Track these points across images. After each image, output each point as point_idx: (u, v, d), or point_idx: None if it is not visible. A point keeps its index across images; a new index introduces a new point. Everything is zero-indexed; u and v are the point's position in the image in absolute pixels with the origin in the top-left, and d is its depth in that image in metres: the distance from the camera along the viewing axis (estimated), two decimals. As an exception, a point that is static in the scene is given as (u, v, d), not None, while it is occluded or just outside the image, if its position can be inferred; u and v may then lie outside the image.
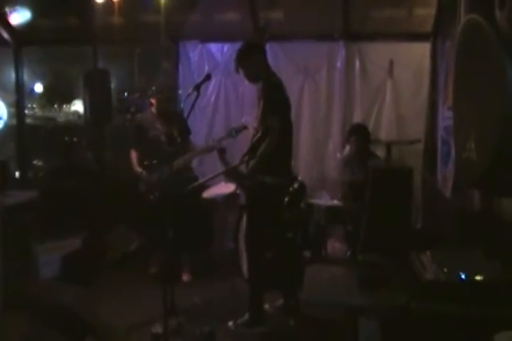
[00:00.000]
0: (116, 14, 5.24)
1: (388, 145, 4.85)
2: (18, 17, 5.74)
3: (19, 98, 6.23)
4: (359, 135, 5.04)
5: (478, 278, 2.64)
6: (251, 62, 3.83)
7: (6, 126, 6.16)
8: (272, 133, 3.66)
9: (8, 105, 6.20)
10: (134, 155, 4.89)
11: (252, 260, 3.90)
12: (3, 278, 3.68)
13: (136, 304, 4.26)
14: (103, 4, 4.09)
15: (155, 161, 4.75)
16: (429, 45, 5.41)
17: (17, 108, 6.24)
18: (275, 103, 3.73)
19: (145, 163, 4.82)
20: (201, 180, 4.51)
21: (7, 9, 5.69)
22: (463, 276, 2.64)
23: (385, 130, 5.53)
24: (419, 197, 5.23)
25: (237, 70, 3.88)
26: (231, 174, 3.94)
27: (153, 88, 5.18)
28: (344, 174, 5.06)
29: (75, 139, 6.59)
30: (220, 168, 4.25)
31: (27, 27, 5.85)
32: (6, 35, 5.91)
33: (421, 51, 5.47)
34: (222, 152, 4.05)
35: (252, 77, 3.88)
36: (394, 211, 3.74)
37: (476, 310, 2.57)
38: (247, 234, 3.90)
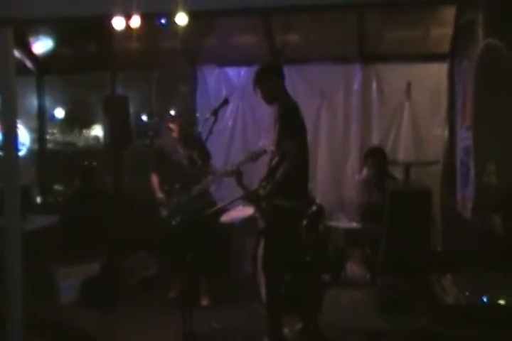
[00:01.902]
0: (134, 40, 5.32)
1: (407, 167, 4.81)
2: (41, 46, 5.90)
3: (41, 124, 6.36)
4: (376, 157, 5.02)
5: (500, 301, 2.59)
6: (268, 82, 3.84)
7: (28, 151, 6.28)
8: (289, 158, 3.65)
9: (30, 131, 6.34)
10: (155, 179, 4.92)
11: (270, 284, 3.86)
12: (23, 303, 3.70)
13: (154, 329, 4.24)
14: (121, 31, 4.17)
15: (177, 185, 4.78)
16: (446, 66, 5.40)
17: (39, 134, 6.36)
18: (292, 126, 3.73)
19: (165, 187, 4.85)
20: (220, 205, 4.51)
21: (30, 39, 5.85)
22: (485, 300, 2.60)
23: (403, 151, 5.50)
24: (439, 219, 5.17)
25: (254, 90, 3.90)
26: (250, 198, 3.93)
27: (172, 112, 5.24)
28: (362, 196, 5.03)
29: (94, 163, 6.67)
30: (237, 192, 4.26)
31: (49, 55, 6.01)
32: (29, 64, 6.06)
33: (438, 72, 5.46)
34: (239, 176, 4.05)
35: (268, 98, 3.88)
36: (413, 233, 3.71)
37: (498, 333, 2.52)
38: (265, 258, 3.87)
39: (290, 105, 3.83)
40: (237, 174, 4.06)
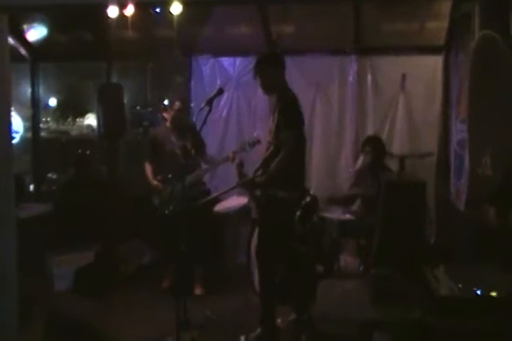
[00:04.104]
0: (129, 29, 5.29)
1: (401, 159, 4.83)
2: (35, 33, 5.86)
3: (35, 112, 6.32)
4: (374, 145, 5.03)
5: (493, 293, 2.61)
6: (268, 71, 3.83)
7: (22, 139, 6.25)
8: (285, 148, 3.65)
9: (23, 119, 6.30)
10: (148, 168, 4.93)
11: (264, 274, 3.88)
12: (18, 290, 3.71)
13: (148, 318, 4.26)
14: (116, 19, 4.15)
15: (170, 175, 4.78)
16: (442, 59, 5.41)
17: (33, 122, 6.32)
18: (290, 117, 3.73)
19: (159, 177, 4.85)
20: (214, 194, 4.52)
21: (25, 26, 5.80)
22: (478, 292, 2.62)
23: (397, 143, 5.51)
24: (433, 211, 5.20)
25: (254, 78, 3.90)
26: (247, 186, 3.93)
27: (166, 102, 5.22)
28: (357, 187, 5.05)
29: (87, 152, 6.65)
30: (231, 182, 4.25)
31: (43, 43, 5.97)
32: (23, 51, 6.01)
33: (433, 64, 5.47)
34: (240, 166, 4.04)
35: (267, 88, 3.88)
36: (407, 225, 3.73)
37: (491, 325, 2.55)
38: (259, 248, 3.88)
39: (290, 96, 3.83)
40: (239, 164, 4.05)
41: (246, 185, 3.87)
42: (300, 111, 3.83)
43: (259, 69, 3.85)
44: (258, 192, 3.84)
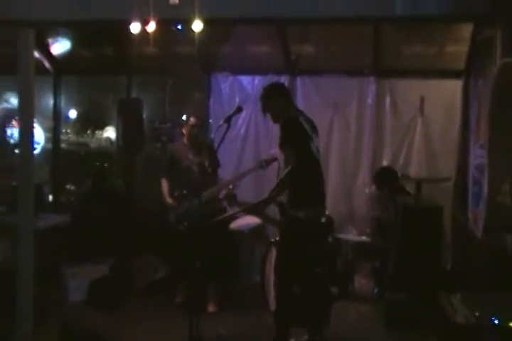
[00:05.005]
0: (150, 45, 5.37)
1: (418, 183, 4.82)
2: (59, 47, 5.96)
3: (56, 124, 6.41)
4: (385, 179, 5.01)
5: (511, 323, 2.59)
6: (272, 104, 3.93)
7: (42, 150, 6.34)
8: (287, 164, 3.69)
9: (45, 130, 6.39)
10: (165, 184, 4.94)
11: (281, 295, 3.87)
12: (33, 301, 3.74)
13: (160, 333, 4.25)
14: (138, 35, 4.24)
15: (185, 191, 4.80)
16: (461, 83, 5.41)
17: (53, 133, 6.40)
18: (288, 135, 3.76)
19: (176, 193, 4.87)
20: (229, 212, 4.52)
21: (49, 40, 5.91)
22: (495, 321, 2.60)
23: (415, 167, 5.50)
24: (449, 236, 5.14)
25: (264, 114, 4.02)
26: (254, 212, 3.95)
27: (185, 118, 5.26)
28: (373, 209, 5.04)
29: (105, 165, 6.71)
30: (250, 198, 4.26)
31: (66, 57, 6.07)
32: (47, 64, 6.12)
33: (452, 88, 5.47)
34: (232, 198, 4.06)
35: (275, 119, 3.96)
36: (423, 249, 3.71)
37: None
38: (277, 269, 3.88)
39: (290, 115, 3.87)
40: (229, 196, 4.07)
41: (250, 211, 3.88)
42: (301, 128, 3.82)
43: (263, 107, 3.97)
44: (278, 213, 3.85)
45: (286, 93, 4.07)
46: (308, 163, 3.83)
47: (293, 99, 4.16)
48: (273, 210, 3.94)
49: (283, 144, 3.75)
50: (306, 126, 3.85)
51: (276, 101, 3.93)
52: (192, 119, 4.93)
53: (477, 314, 2.67)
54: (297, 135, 3.80)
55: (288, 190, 3.72)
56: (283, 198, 3.76)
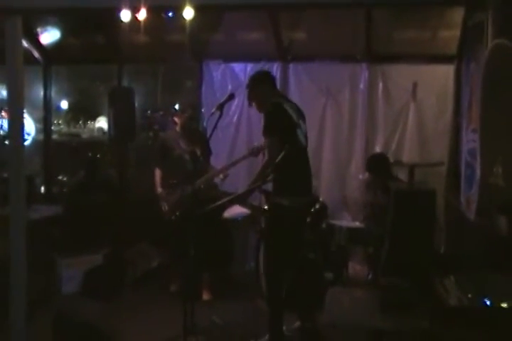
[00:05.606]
0: (141, 33, 5.32)
1: (411, 168, 4.80)
2: (49, 36, 5.91)
3: (47, 115, 6.35)
4: (378, 165, 4.99)
5: (503, 304, 2.59)
6: (255, 93, 3.93)
7: (33, 141, 6.29)
8: (267, 153, 3.74)
9: (35, 121, 6.35)
10: (158, 173, 4.93)
11: (271, 281, 3.87)
12: (26, 292, 3.73)
13: (155, 322, 4.26)
14: (129, 23, 4.20)
15: (178, 180, 4.79)
16: (453, 67, 5.40)
17: (44, 124, 6.36)
18: (271, 123, 3.74)
19: (168, 182, 4.85)
20: (220, 201, 4.50)
21: (38, 29, 5.85)
22: (488, 302, 2.60)
23: (407, 152, 5.51)
24: (443, 220, 5.18)
25: (250, 104, 4.00)
26: (239, 202, 3.95)
27: (177, 107, 5.23)
28: (366, 195, 5.04)
29: (98, 155, 6.68)
30: (242, 185, 4.25)
31: (56, 46, 6.01)
32: (36, 54, 6.06)
33: (445, 73, 5.46)
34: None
35: (260, 108, 3.95)
36: (416, 234, 3.70)
37: (500, 336, 2.53)
38: (266, 257, 3.88)
39: (272, 103, 3.83)
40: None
41: (237, 201, 3.89)
42: (285, 116, 3.79)
43: (248, 98, 3.97)
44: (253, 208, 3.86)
45: (270, 80, 4.02)
46: (293, 151, 3.78)
47: (276, 85, 4.11)
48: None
49: (265, 133, 3.74)
50: (291, 112, 3.81)
51: (259, 90, 3.92)
52: (189, 110, 4.90)
53: (469, 295, 2.67)
54: (280, 122, 3.77)
55: (272, 177, 3.70)
56: (269, 186, 3.75)
